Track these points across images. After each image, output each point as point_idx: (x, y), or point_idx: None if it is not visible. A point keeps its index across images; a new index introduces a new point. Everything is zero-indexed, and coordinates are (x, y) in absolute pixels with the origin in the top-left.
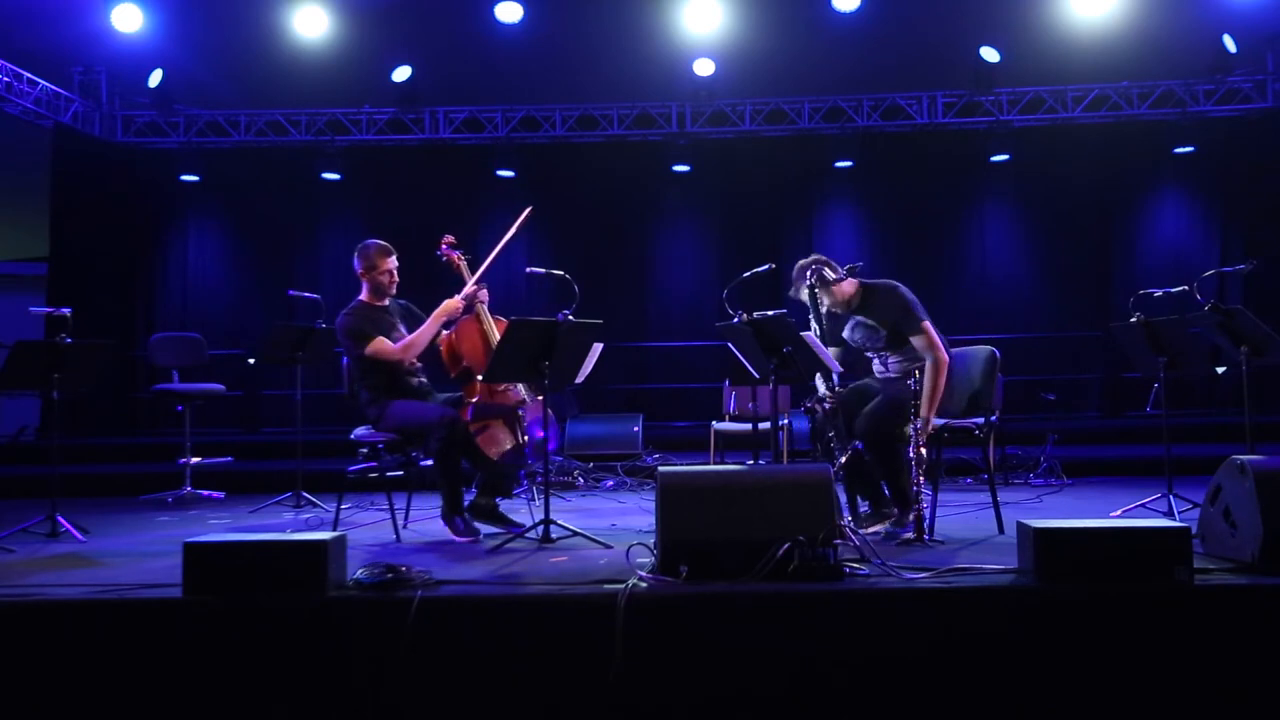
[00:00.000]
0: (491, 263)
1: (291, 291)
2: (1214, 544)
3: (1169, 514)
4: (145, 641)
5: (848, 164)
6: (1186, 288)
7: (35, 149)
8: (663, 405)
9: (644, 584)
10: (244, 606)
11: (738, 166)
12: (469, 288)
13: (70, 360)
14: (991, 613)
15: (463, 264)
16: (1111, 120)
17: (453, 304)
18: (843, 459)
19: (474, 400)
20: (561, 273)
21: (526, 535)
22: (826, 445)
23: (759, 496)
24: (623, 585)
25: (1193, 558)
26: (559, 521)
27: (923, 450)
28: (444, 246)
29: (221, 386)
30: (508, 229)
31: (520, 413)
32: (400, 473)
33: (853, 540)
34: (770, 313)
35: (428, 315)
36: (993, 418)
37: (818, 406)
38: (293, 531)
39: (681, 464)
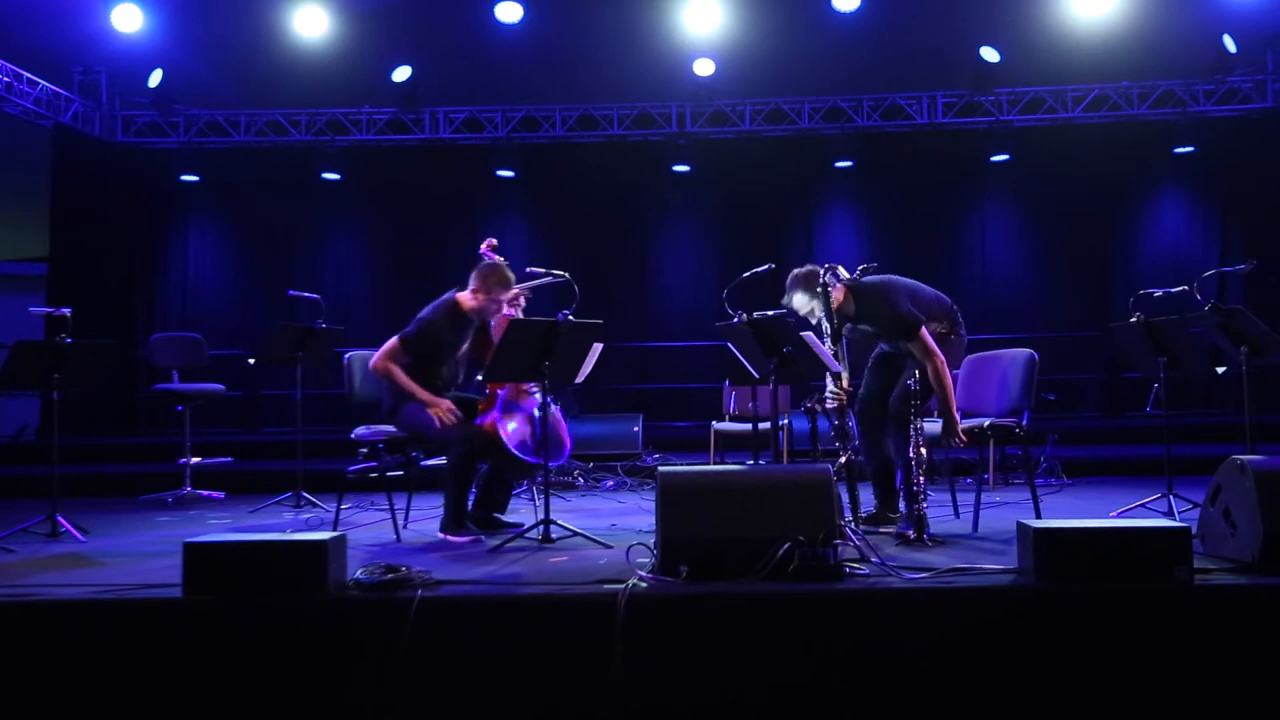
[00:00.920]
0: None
1: (291, 291)
2: (1214, 544)
3: (1169, 514)
4: (145, 641)
5: (848, 164)
6: (1186, 288)
7: (35, 149)
8: (663, 405)
9: (644, 584)
10: (244, 606)
11: (738, 166)
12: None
13: (70, 360)
14: (991, 613)
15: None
16: (1111, 120)
17: (444, 411)
18: (843, 459)
19: (500, 392)
20: (562, 273)
21: (526, 535)
22: (845, 436)
23: (759, 496)
24: (623, 585)
25: (1193, 558)
26: (559, 521)
27: (923, 450)
28: (485, 248)
29: (221, 386)
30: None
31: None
32: (400, 473)
33: (853, 540)
34: (770, 313)
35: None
36: (1023, 418)
37: (818, 406)
38: (293, 531)
39: (681, 464)
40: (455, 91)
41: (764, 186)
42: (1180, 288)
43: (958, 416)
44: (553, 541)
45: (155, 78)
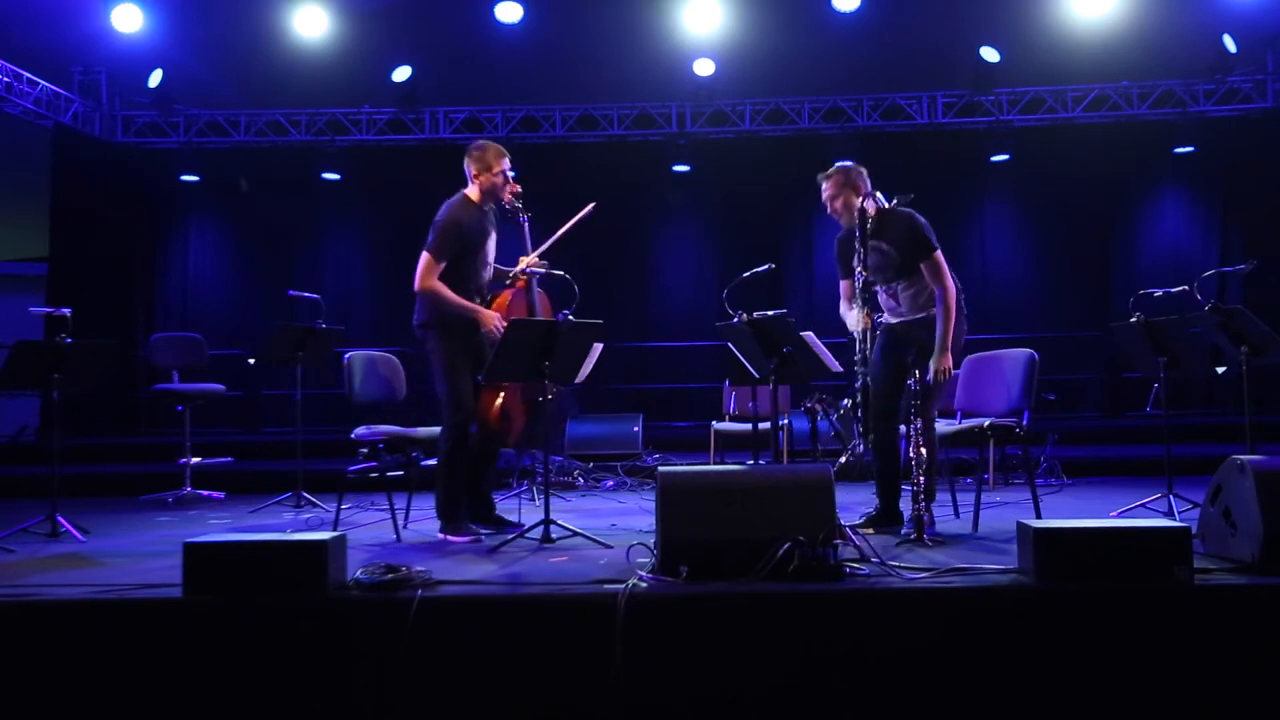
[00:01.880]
0: (554, 243)
1: (291, 291)
2: (1214, 544)
3: (1169, 514)
4: (145, 641)
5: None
6: (1186, 288)
7: (35, 149)
8: (663, 405)
9: (644, 584)
10: (244, 606)
11: (738, 166)
12: (531, 258)
13: (70, 360)
14: (991, 613)
15: (526, 225)
16: (1111, 120)
17: (492, 322)
18: (843, 459)
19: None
20: (562, 273)
21: (526, 535)
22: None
23: (759, 496)
24: (623, 585)
25: (1193, 558)
26: (559, 521)
27: (923, 450)
28: (510, 196)
29: (221, 386)
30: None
31: (539, 399)
32: (400, 473)
33: (853, 540)
34: (770, 313)
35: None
36: (1023, 418)
37: (817, 406)
38: (293, 531)
39: (681, 464)
40: (455, 91)
41: (764, 186)
42: (1180, 288)
43: (948, 359)
44: (553, 541)
45: (155, 78)
